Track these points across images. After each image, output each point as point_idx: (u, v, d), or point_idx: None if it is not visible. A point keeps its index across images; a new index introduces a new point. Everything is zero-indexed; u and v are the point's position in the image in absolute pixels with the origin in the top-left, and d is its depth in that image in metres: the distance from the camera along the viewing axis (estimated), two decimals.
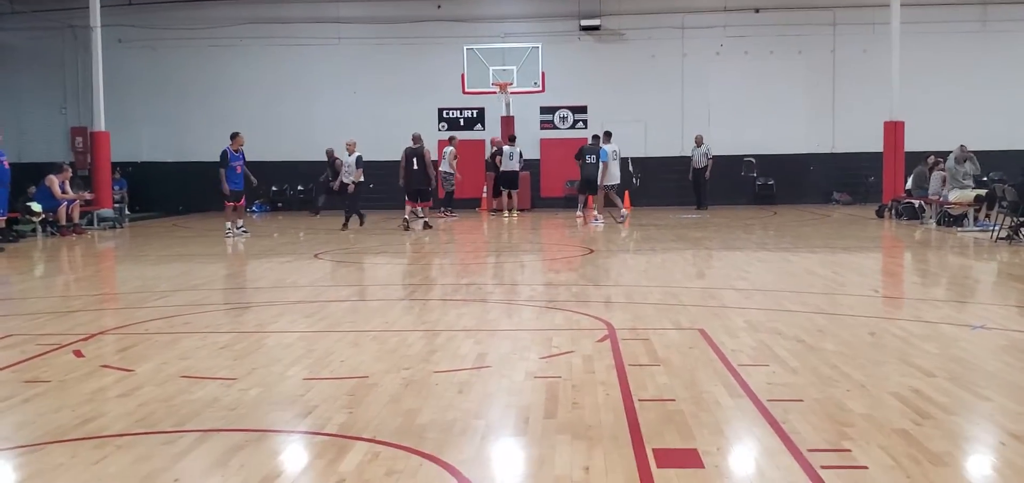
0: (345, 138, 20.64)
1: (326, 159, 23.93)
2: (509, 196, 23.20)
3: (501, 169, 22.98)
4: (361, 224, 19.52)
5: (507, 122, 25.12)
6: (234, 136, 18.20)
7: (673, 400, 5.31)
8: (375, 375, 6.07)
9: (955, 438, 4.71)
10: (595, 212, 20.11)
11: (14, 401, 5.56)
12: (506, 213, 22.41)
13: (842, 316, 8.16)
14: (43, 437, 4.80)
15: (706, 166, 24.58)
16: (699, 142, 24.67)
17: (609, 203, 20.73)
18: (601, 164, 19.86)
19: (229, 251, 15.70)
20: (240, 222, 18.12)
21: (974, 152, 18.47)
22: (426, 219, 19.30)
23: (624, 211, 20.33)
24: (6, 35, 27.06)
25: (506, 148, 23.10)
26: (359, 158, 19.63)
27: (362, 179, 19.61)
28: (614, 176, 20.43)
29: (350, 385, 5.81)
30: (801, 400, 5.27)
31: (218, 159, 18.21)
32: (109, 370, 6.35)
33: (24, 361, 6.66)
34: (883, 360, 6.40)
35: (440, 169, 22.47)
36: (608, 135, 20.64)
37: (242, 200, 18.35)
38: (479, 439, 4.71)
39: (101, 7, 22.01)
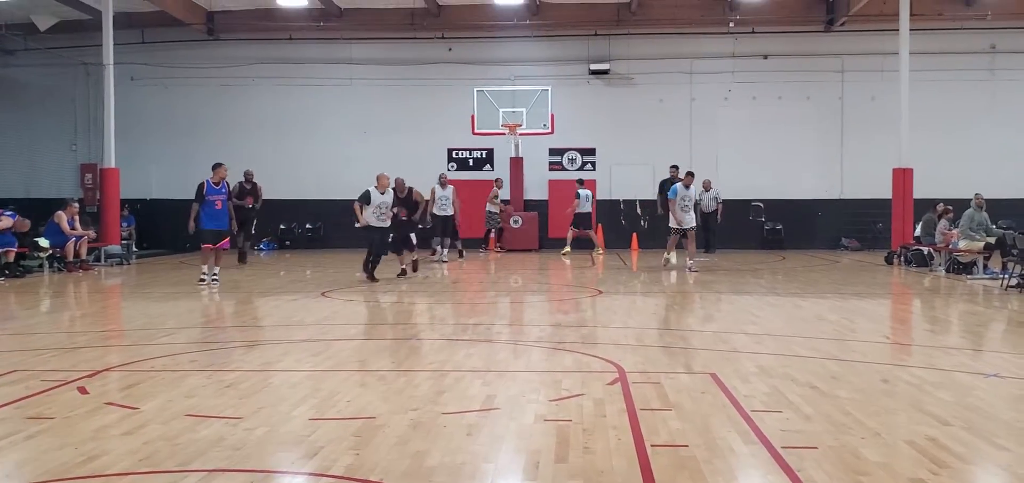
0: (356, 177, 20.40)
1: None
2: (449, 245, 21.17)
3: (432, 211, 20.06)
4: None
5: (516, 163, 25.17)
6: (216, 167, 16.13)
7: (686, 446, 5.23)
8: (382, 416, 6.00)
9: None
10: (670, 256, 18.97)
11: (17, 438, 5.49)
12: (408, 269, 17.09)
13: (854, 362, 8.06)
14: (46, 475, 4.73)
15: (716, 210, 24.34)
16: (707, 187, 24.45)
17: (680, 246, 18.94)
18: (668, 201, 18.50)
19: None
20: (216, 268, 15.84)
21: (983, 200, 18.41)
22: (405, 267, 16.80)
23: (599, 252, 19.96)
24: (19, 71, 27.28)
25: (438, 191, 20.71)
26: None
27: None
28: (681, 219, 18.14)
29: (357, 426, 5.73)
30: (816, 447, 5.18)
31: (197, 193, 15.98)
32: (113, 407, 6.28)
33: (28, 397, 6.60)
34: (897, 408, 6.31)
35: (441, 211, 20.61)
36: (687, 174, 18.61)
37: (224, 241, 15.98)
38: None
39: (114, 45, 22.18)
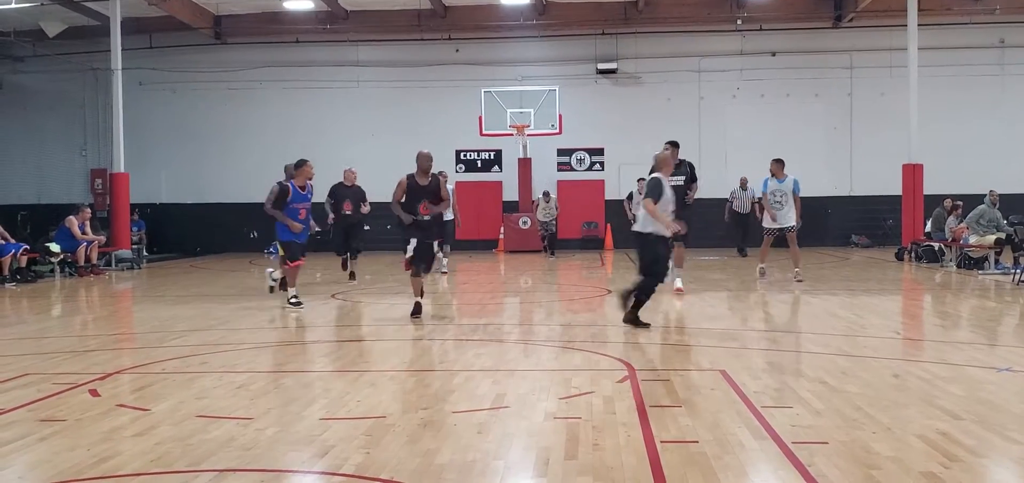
0: (363, 180, 20.01)
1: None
2: (447, 251, 18.32)
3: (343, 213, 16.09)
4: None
5: (524, 164, 25.17)
6: (299, 166, 12.63)
7: (696, 442, 5.22)
8: (393, 415, 6.01)
9: (985, 482, 4.60)
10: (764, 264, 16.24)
11: (30, 440, 5.52)
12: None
13: (865, 358, 8.04)
14: (58, 476, 4.75)
15: (752, 209, 23.03)
16: (744, 185, 23.61)
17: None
18: (762, 196, 16.06)
19: (283, 333, 10.53)
20: (293, 289, 12.71)
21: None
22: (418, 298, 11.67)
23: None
24: (29, 78, 27.42)
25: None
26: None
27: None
28: (775, 216, 15.46)
29: (367, 425, 5.75)
30: (826, 443, 5.17)
31: (271, 198, 12.63)
32: (125, 409, 6.31)
33: (40, 399, 6.63)
34: (908, 402, 6.29)
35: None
36: (775, 162, 15.72)
37: (303, 259, 12.86)
38: (499, 480, 4.63)
39: (122, 50, 22.29)
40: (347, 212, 15.79)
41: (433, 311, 12.74)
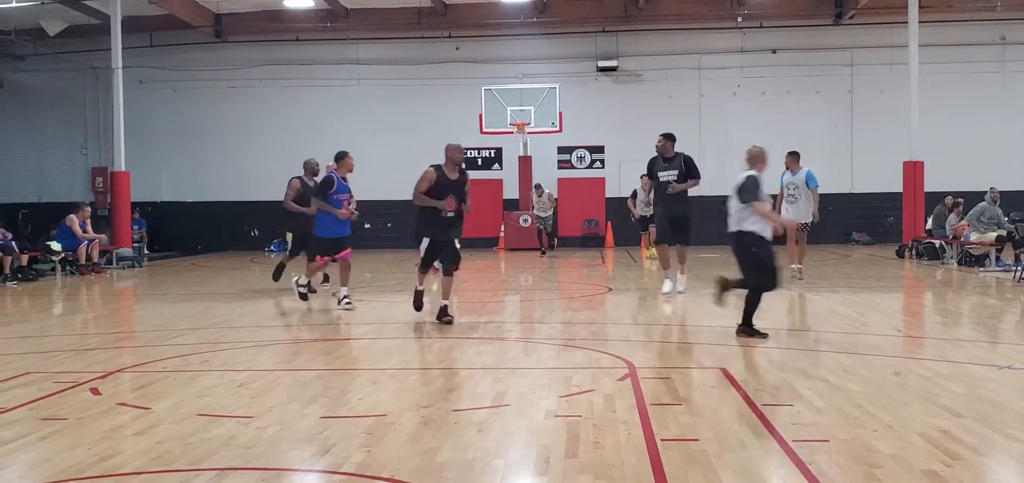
0: (363, 177, 19.93)
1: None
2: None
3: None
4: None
5: (525, 162, 25.17)
6: (342, 157, 12.12)
7: (697, 440, 5.22)
8: (393, 413, 6.01)
9: (986, 480, 4.61)
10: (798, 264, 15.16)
11: (31, 439, 5.52)
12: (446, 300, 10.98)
13: (866, 356, 8.03)
14: (59, 475, 4.75)
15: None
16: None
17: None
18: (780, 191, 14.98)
19: (284, 332, 10.31)
20: (344, 290, 11.99)
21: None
22: (446, 302, 10.73)
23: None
24: (29, 76, 27.42)
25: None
26: None
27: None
28: (793, 212, 14.62)
29: (368, 423, 5.75)
30: (827, 440, 5.17)
31: (290, 193, 13.72)
32: (126, 408, 6.31)
33: (41, 398, 6.64)
34: (909, 400, 6.28)
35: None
36: (790, 155, 15.14)
37: (345, 251, 12.12)
38: (499, 479, 4.64)
39: (122, 49, 22.28)
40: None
41: (434, 308, 12.73)
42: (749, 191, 8.87)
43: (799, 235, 14.83)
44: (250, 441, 5.36)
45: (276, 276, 14.94)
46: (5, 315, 12.96)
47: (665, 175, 12.68)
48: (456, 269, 10.66)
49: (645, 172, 13.82)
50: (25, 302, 14.33)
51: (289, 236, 15.03)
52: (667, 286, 12.91)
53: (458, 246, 10.58)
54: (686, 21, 25.91)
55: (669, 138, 12.76)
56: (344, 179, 12.08)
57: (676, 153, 12.76)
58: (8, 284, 16.62)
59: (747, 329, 8.98)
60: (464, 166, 10.54)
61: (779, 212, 14.67)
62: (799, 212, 14.59)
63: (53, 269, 18.80)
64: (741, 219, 8.96)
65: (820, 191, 14.49)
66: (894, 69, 24.62)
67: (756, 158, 9.15)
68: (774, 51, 26.24)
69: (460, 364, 7.94)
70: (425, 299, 11.02)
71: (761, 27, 25.88)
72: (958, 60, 25.22)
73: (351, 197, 12.23)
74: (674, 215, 12.80)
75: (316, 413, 6.08)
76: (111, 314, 13.41)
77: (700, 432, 5.39)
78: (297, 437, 5.49)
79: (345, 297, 11.94)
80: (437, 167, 10.31)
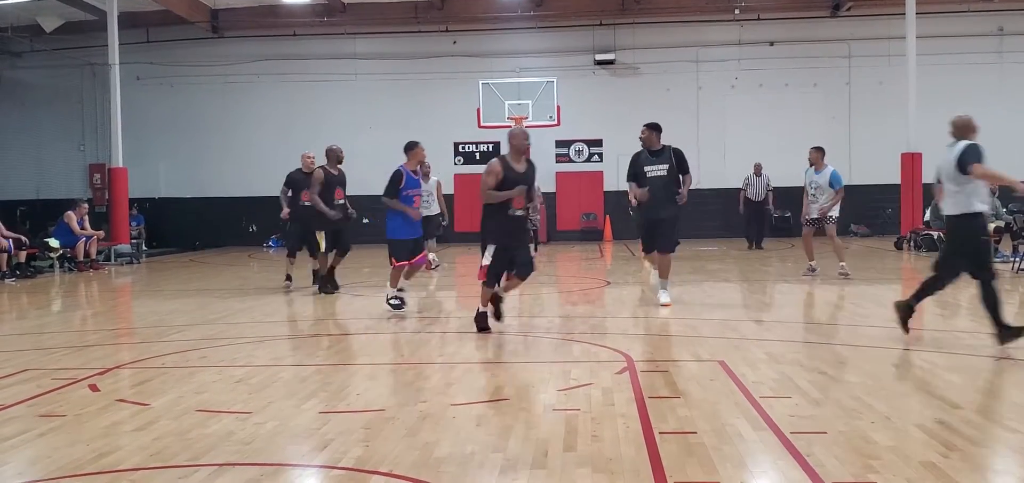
0: (361, 173, 19.59)
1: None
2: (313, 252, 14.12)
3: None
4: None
5: None
6: (412, 147, 11.13)
7: (694, 433, 5.23)
8: (391, 408, 6.01)
9: (983, 471, 4.61)
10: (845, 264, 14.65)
11: (29, 435, 5.52)
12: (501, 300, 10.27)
13: (864, 348, 8.04)
14: (58, 471, 4.76)
15: (766, 197, 22.43)
16: (759, 171, 22.47)
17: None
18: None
19: (282, 328, 10.34)
20: (392, 290, 10.97)
21: None
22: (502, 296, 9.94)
23: None
24: (26, 73, 27.38)
25: (422, 184, 13.67)
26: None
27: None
28: (813, 211, 14.60)
29: (366, 418, 5.75)
30: (825, 432, 5.17)
31: (316, 186, 13.01)
32: (124, 404, 6.31)
33: (40, 395, 6.64)
34: (907, 392, 6.29)
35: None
36: (814, 150, 14.93)
37: (421, 255, 11.25)
38: (498, 472, 4.63)
39: (119, 45, 22.26)
40: (305, 203, 13.41)
41: (433, 302, 12.72)
42: (974, 154, 7.63)
43: (829, 230, 14.47)
44: (248, 436, 5.37)
45: (325, 287, 13.35)
46: (4, 312, 12.97)
47: (654, 171, 10.95)
48: (523, 278, 9.52)
49: (627, 172, 11.41)
50: (24, 299, 14.32)
51: (321, 235, 13.52)
52: (663, 296, 11.13)
53: (533, 251, 9.19)
54: (684, 14, 25.89)
55: (654, 129, 11.14)
56: (414, 172, 11.00)
57: (664, 145, 11.08)
58: (6, 281, 16.61)
59: (1009, 330, 7.61)
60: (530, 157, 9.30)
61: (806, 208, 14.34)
62: (819, 208, 14.39)
63: (51, 266, 18.80)
64: (968, 197, 7.68)
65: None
66: (892, 61, 24.62)
67: (966, 126, 8.03)
68: (772, 43, 26.22)
69: (459, 358, 7.94)
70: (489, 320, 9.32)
71: (759, 19, 25.86)
72: (956, 51, 25.21)
73: (421, 192, 11.31)
74: (659, 216, 10.96)
75: (314, 408, 6.08)
76: (109, 311, 13.41)
77: (698, 425, 5.40)
78: (295, 432, 5.50)
79: (395, 297, 10.85)
80: (503, 159, 9.06)
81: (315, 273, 13.82)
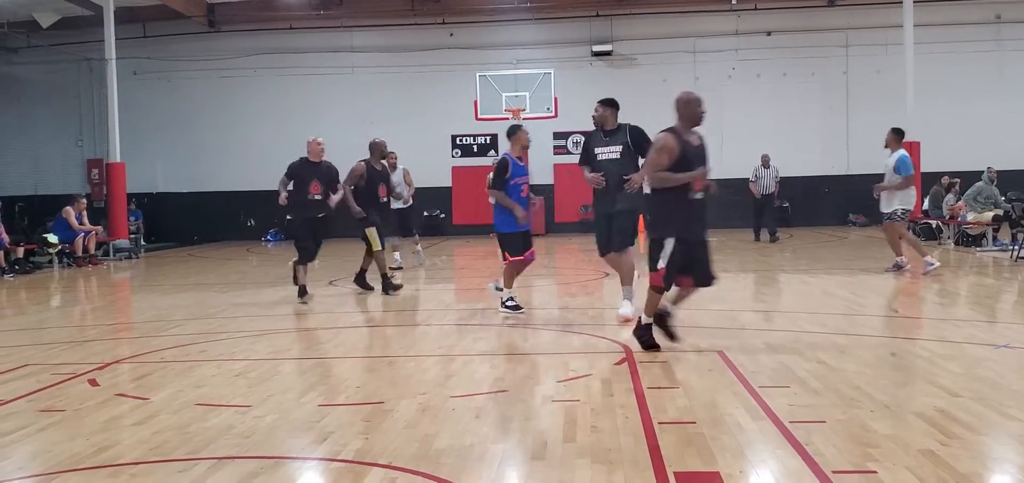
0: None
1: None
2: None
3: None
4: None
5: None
6: (514, 131, 10.04)
7: (693, 423, 5.23)
8: (391, 400, 6.01)
9: (983, 458, 4.61)
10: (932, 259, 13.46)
11: (30, 430, 5.52)
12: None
13: (863, 337, 8.05)
14: (58, 466, 4.76)
15: (774, 191, 21.40)
16: (767, 162, 21.58)
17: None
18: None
19: (280, 321, 10.34)
20: (507, 292, 9.99)
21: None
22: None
23: None
24: (23, 69, 27.34)
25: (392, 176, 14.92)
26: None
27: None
28: (903, 198, 13.62)
29: (366, 411, 5.75)
30: (824, 421, 5.17)
31: (352, 178, 12.19)
32: (124, 398, 6.31)
33: (39, 390, 6.64)
34: (906, 380, 6.30)
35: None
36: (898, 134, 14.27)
37: (530, 251, 10.13)
38: (497, 464, 4.64)
39: (116, 40, 22.22)
40: (316, 195, 12.04)
41: (432, 295, 12.72)
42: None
43: (884, 225, 13.84)
44: (248, 430, 5.37)
45: (387, 288, 12.29)
46: (3, 308, 12.96)
47: (606, 153, 9.26)
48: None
49: (580, 156, 9.87)
50: (22, 295, 14.31)
51: (371, 231, 12.26)
52: (624, 307, 9.22)
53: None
54: (680, 4, 25.86)
55: (609, 105, 9.62)
56: (520, 159, 9.89)
57: (619, 124, 9.47)
58: (5, 277, 16.60)
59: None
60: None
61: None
62: (885, 200, 13.66)
63: (50, 262, 18.80)
64: None
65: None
66: (889, 50, 24.58)
67: None
68: (769, 33, 26.19)
69: (458, 351, 7.94)
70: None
71: (756, 9, 25.82)
72: (953, 40, 25.17)
73: (528, 179, 10.09)
74: (614, 208, 9.16)
75: (314, 401, 6.08)
76: (108, 305, 13.40)
77: (697, 415, 5.40)
78: (295, 425, 5.50)
79: (511, 299, 9.89)
80: (673, 130, 7.55)
81: (383, 276, 12.36)
